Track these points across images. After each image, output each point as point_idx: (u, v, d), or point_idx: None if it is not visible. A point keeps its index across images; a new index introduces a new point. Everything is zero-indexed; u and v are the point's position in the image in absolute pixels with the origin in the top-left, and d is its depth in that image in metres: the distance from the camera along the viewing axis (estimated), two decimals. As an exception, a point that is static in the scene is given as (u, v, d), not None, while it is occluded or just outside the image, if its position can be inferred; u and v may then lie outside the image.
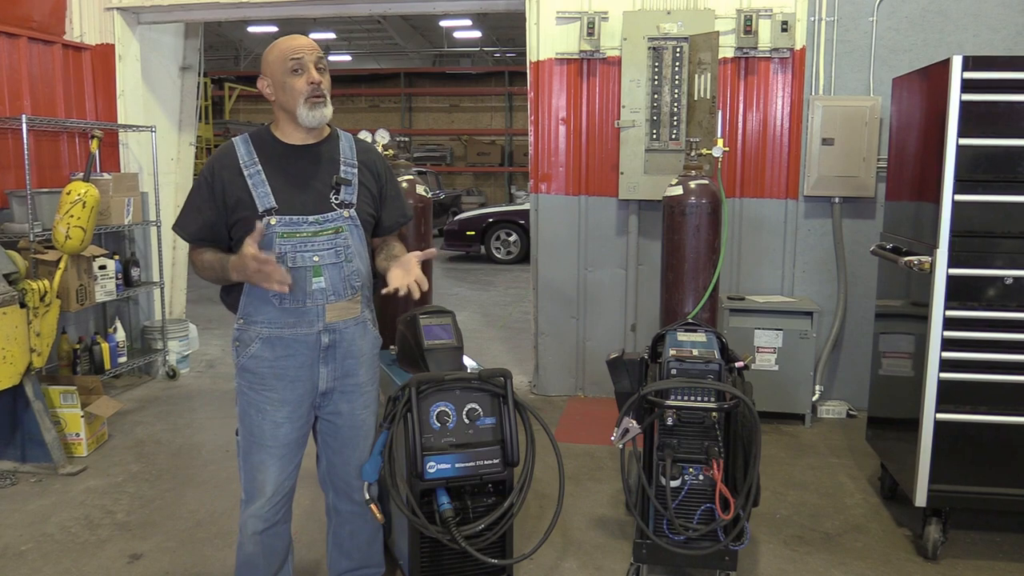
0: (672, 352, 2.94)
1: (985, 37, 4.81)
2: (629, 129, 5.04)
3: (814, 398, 4.99)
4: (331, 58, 19.70)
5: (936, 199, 3.13)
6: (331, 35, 18.68)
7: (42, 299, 4.27)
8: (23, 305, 4.17)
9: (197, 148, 7.02)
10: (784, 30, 4.89)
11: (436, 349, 2.90)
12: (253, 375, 2.53)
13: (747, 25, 4.89)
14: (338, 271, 2.50)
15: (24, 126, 4.70)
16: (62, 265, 4.54)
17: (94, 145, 4.82)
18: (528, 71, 5.33)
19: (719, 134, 4.54)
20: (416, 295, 2.42)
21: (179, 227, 2.56)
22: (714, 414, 2.84)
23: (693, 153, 3.99)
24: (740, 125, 5.10)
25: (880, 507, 3.82)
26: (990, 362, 3.16)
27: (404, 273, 2.45)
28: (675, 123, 4.94)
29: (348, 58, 20.76)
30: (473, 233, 12.91)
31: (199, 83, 6.70)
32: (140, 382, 5.88)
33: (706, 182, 3.92)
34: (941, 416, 3.20)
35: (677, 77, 4.90)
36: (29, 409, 4.21)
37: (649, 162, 5.04)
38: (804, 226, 5.14)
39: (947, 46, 4.81)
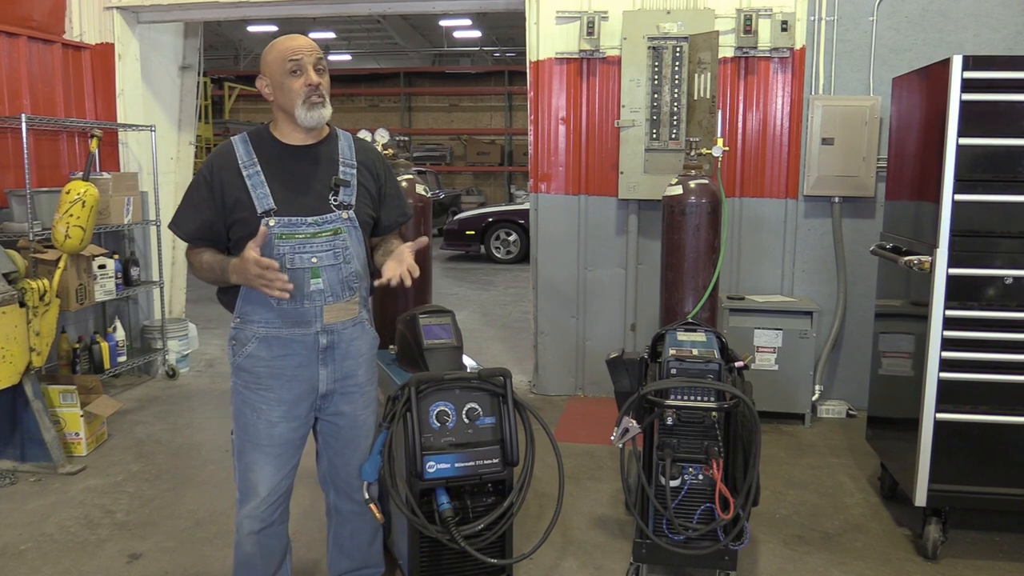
0: (672, 352, 2.94)
1: (985, 37, 4.81)
2: (629, 129, 5.04)
3: (814, 398, 4.99)
4: (331, 57, 19.70)
5: (936, 199, 3.13)
6: (331, 35, 18.68)
7: (41, 298, 4.27)
8: (22, 304, 4.17)
9: (197, 147, 7.01)
10: (784, 30, 4.89)
11: (436, 349, 2.90)
12: (249, 374, 2.52)
13: (747, 25, 4.89)
14: (336, 272, 2.50)
15: (24, 125, 4.70)
16: (61, 264, 4.54)
17: (93, 144, 4.82)
18: (528, 71, 5.33)
19: (719, 134, 4.54)
20: (408, 283, 2.41)
21: (176, 226, 2.54)
22: (714, 414, 2.84)
23: (693, 153, 3.98)
24: (740, 125, 5.10)
25: (880, 507, 3.82)
26: (990, 362, 3.16)
27: (396, 264, 2.45)
28: (675, 123, 4.94)
29: (348, 57, 20.76)
30: (473, 233, 12.90)
31: (199, 82, 6.69)
32: (140, 381, 5.88)
33: (706, 182, 3.92)
34: (941, 416, 3.20)
35: (677, 77, 4.90)
36: (29, 408, 4.21)
37: (649, 162, 5.04)
38: (804, 226, 5.14)
39: (947, 46, 4.81)
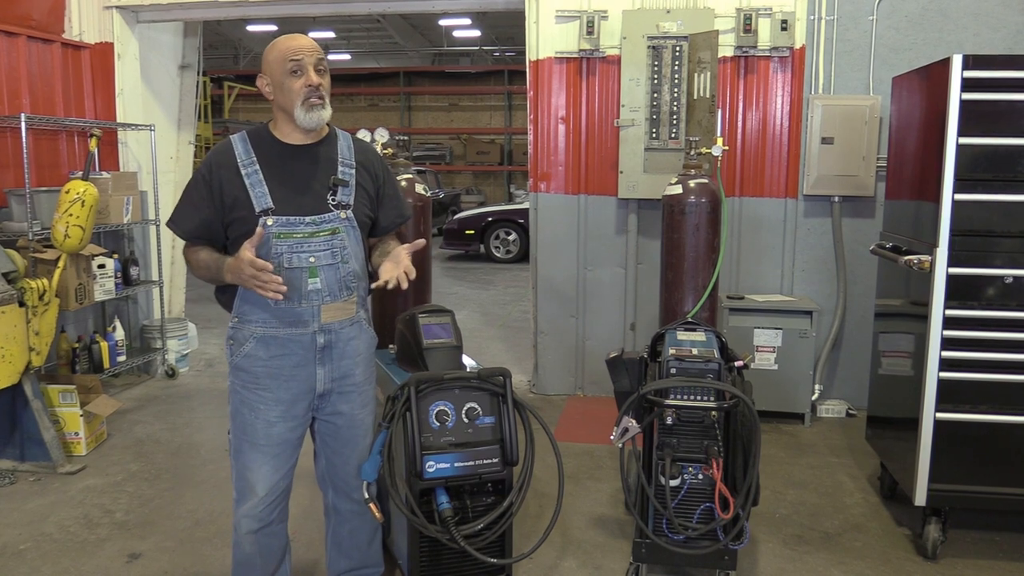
0: (672, 351, 2.94)
1: (985, 36, 4.81)
2: (629, 128, 5.04)
3: (813, 397, 4.99)
4: (330, 57, 19.69)
5: (936, 198, 3.13)
6: (330, 34, 18.67)
7: (41, 298, 4.27)
8: (22, 304, 4.16)
9: (196, 147, 7.01)
10: (784, 29, 4.89)
11: (435, 348, 2.89)
12: (247, 374, 2.52)
13: (747, 24, 4.89)
14: (334, 272, 2.49)
15: (23, 125, 4.69)
16: (61, 264, 4.54)
17: (93, 144, 4.82)
18: (527, 70, 5.32)
19: (718, 133, 4.55)
20: (404, 286, 2.42)
21: (174, 223, 2.53)
22: (714, 413, 2.84)
23: (692, 152, 3.99)
24: (740, 124, 5.10)
25: (880, 506, 3.82)
26: (990, 361, 3.16)
27: (394, 266, 2.45)
28: (675, 122, 4.94)
29: (347, 57, 20.75)
30: (472, 232, 12.90)
31: (198, 82, 6.69)
32: (139, 381, 5.88)
33: (705, 181, 3.92)
34: (941, 415, 3.19)
35: (677, 76, 4.90)
36: (28, 408, 4.20)
37: (648, 161, 5.04)
38: (803, 225, 5.13)
39: (947, 45, 4.80)
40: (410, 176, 3.76)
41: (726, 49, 4.96)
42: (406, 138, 4.09)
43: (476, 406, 2.68)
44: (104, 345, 5.42)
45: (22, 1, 5.30)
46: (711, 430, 2.85)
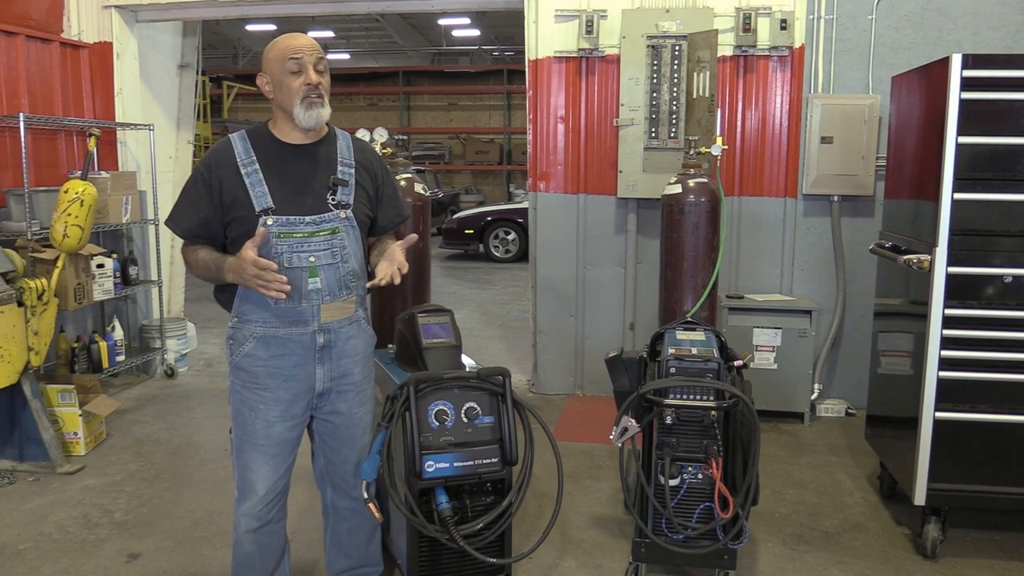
0: (671, 351, 2.94)
1: (984, 35, 4.81)
2: (628, 127, 5.03)
3: (813, 397, 4.99)
4: (329, 56, 19.52)
5: (935, 197, 3.13)
6: (329, 33, 18.66)
7: (40, 298, 4.26)
8: (21, 304, 4.16)
9: (195, 147, 7.00)
10: (783, 28, 4.89)
11: (434, 348, 2.89)
12: (247, 374, 2.52)
13: (746, 23, 4.89)
14: (334, 272, 2.50)
15: (22, 124, 4.69)
16: (60, 264, 4.53)
17: (92, 143, 4.81)
18: (527, 69, 5.32)
19: (718, 132, 4.54)
20: (397, 281, 2.43)
21: (173, 222, 2.52)
22: (713, 413, 2.84)
23: (692, 151, 3.98)
24: (739, 123, 5.10)
25: (879, 506, 3.82)
26: (989, 361, 3.16)
27: (388, 264, 2.46)
28: (674, 121, 4.93)
29: (346, 56, 20.74)
30: (472, 232, 12.90)
31: (197, 81, 6.69)
32: (138, 381, 5.87)
33: (705, 180, 3.92)
34: (940, 415, 3.19)
35: (676, 75, 4.89)
36: (27, 408, 4.20)
37: (648, 160, 5.04)
38: (803, 224, 5.13)
39: (946, 44, 4.80)
40: (409, 176, 3.76)
41: (725, 48, 4.96)
42: (405, 137, 4.08)
43: (475, 406, 2.68)
44: (103, 345, 5.42)
45: (21, 0, 5.30)
46: (710, 430, 2.85)
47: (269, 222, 2.41)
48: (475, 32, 18.77)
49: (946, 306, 3.14)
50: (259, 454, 2.54)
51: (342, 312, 2.55)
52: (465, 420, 2.67)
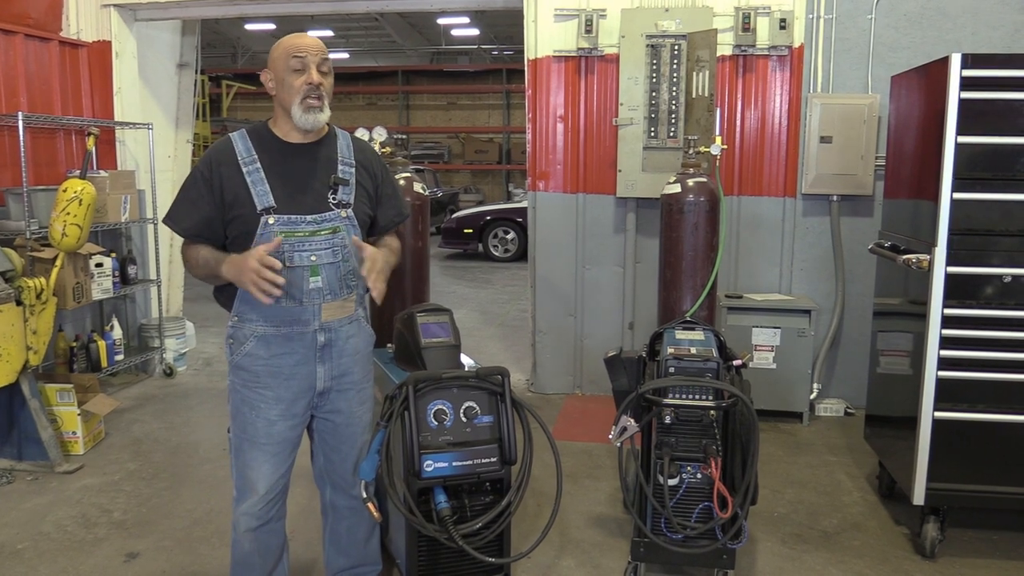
0: (670, 350, 2.93)
1: (984, 35, 4.81)
2: (627, 127, 5.03)
3: (812, 396, 4.99)
4: (328, 55, 19.64)
5: (935, 197, 3.12)
6: (329, 33, 18.65)
7: (38, 297, 4.26)
8: (19, 303, 4.15)
9: (194, 146, 7.00)
10: (782, 28, 4.89)
11: (433, 347, 2.89)
12: (247, 373, 2.52)
13: (745, 23, 4.89)
14: (335, 271, 2.50)
15: (20, 123, 4.68)
16: (58, 263, 4.53)
17: (90, 142, 4.81)
18: (526, 69, 5.32)
19: (717, 132, 4.54)
20: (379, 285, 2.41)
21: (172, 221, 2.51)
22: (712, 412, 2.84)
23: (691, 151, 3.98)
24: (738, 123, 5.10)
25: (878, 505, 3.82)
26: (988, 360, 3.16)
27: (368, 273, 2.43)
28: (673, 121, 4.93)
29: (346, 56, 20.73)
30: (471, 231, 12.90)
31: (196, 80, 6.68)
32: (137, 380, 5.87)
33: (704, 180, 3.92)
34: (939, 414, 3.19)
35: (675, 75, 4.89)
36: (26, 407, 4.19)
37: (647, 160, 5.04)
38: (802, 224, 5.13)
39: (946, 44, 4.80)
40: (408, 175, 3.76)
41: (725, 48, 4.96)
42: (404, 137, 4.08)
43: (474, 405, 2.68)
44: (102, 344, 5.42)
45: (20, -1, 5.30)
46: (709, 429, 2.85)
47: (270, 221, 2.40)
48: (474, 31, 18.76)
49: (945, 306, 3.14)
50: (260, 453, 2.53)
51: (342, 311, 2.55)
52: (464, 419, 2.66)
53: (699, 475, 2.90)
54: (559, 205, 5.37)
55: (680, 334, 3.11)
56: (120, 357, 5.63)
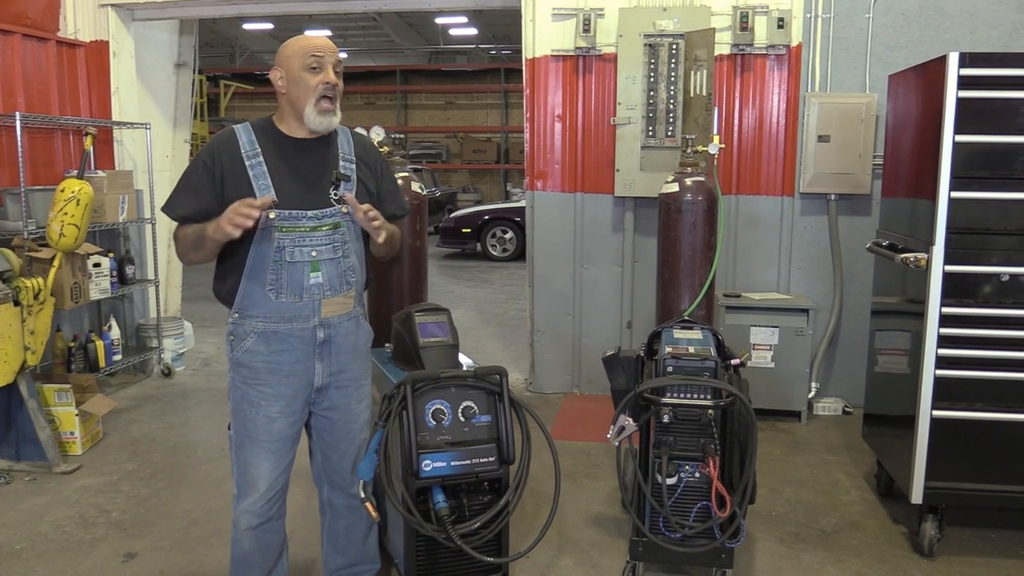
0: (668, 349, 2.93)
1: (981, 34, 4.81)
2: (625, 126, 5.03)
3: (810, 395, 4.99)
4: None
5: (932, 196, 3.13)
6: (327, 32, 18.59)
7: (36, 297, 4.26)
8: (17, 303, 4.15)
9: (192, 145, 6.99)
10: (780, 27, 4.89)
11: (431, 347, 2.89)
12: (248, 369, 2.52)
13: (743, 22, 4.89)
14: (335, 266, 2.50)
15: (18, 123, 4.67)
16: (56, 263, 4.52)
17: (88, 142, 4.80)
18: (524, 68, 5.32)
19: (715, 131, 4.54)
20: (372, 214, 2.46)
21: (170, 208, 2.51)
22: (710, 411, 2.84)
23: (689, 150, 3.99)
24: (736, 122, 5.10)
25: (876, 504, 3.82)
26: (986, 359, 3.16)
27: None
28: (671, 120, 4.93)
29: (344, 55, 20.50)
30: (469, 230, 12.90)
31: (194, 80, 6.67)
32: (135, 380, 5.86)
33: (702, 179, 3.92)
34: (937, 413, 3.20)
35: (673, 74, 4.89)
36: (23, 407, 4.19)
37: (645, 159, 5.04)
38: (800, 223, 5.13)
39: (943, 43, 4.80)
40: (406, 174, 3.76)
41: (722, 47, 4.96)
42: (402, 136, 4.09)
43: (472, 405, 2.68)
44: (100, 344, 5.41)
45: (17, -1, 5.29)
46: (708, 428, 2.85)
47: (272, 215, 2.41)
48: (472, 31, 18.75)
49: (943, 304, 3.15)
50: (260, 450, 2.54)
51: (342, 307, 2.55)
52: (462, 419, 2.66)
53: (697, 474, 2.90)
54: (557, 204, 5.37)
55: (678, 333, 3.11)
56: (118, 357, 5.62)
